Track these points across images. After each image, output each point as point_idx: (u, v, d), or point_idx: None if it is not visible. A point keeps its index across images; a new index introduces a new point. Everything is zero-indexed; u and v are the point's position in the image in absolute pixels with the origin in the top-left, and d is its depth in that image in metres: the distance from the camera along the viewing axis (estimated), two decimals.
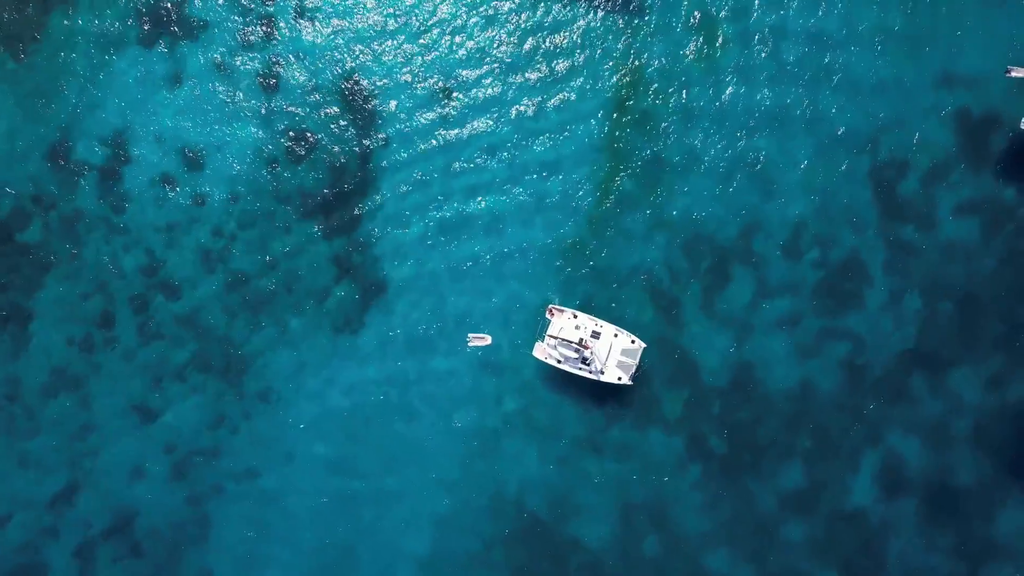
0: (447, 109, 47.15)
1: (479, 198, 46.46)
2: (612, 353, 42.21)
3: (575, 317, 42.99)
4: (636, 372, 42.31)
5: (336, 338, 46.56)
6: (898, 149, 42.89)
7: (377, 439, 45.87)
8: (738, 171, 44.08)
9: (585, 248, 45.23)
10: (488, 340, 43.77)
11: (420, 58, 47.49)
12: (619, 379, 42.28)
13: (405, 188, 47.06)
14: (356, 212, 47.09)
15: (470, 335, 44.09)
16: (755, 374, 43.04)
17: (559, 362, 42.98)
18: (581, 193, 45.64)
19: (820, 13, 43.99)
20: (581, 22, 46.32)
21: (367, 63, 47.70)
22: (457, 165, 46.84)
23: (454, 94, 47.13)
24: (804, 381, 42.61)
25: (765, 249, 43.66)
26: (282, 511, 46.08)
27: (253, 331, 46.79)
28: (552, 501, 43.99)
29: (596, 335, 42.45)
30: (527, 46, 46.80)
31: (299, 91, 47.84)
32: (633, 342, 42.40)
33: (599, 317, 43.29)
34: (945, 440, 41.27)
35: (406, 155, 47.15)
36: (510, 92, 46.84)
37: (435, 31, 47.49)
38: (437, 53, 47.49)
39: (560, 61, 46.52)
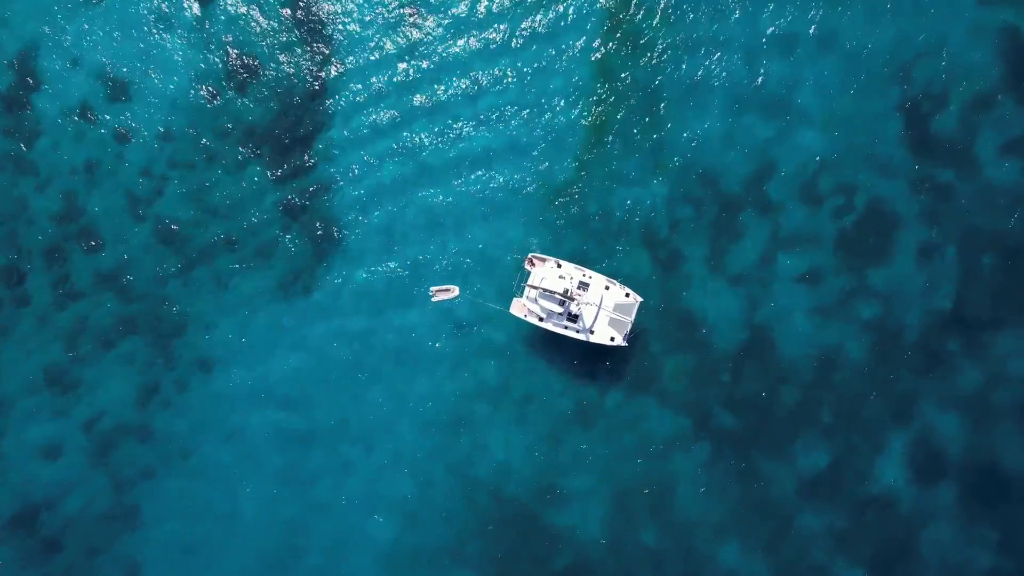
0: (412, 29, 44.88)
1: (448, 132, 44.21)
2: (603, 308, 39.47)
3: (559, 266, 40.63)
4: (631, 332, 39.55)
5: (284, 296, 44.51)
6: (934, 77, 39.93)
7: (331, 415, 43.40)
8: (749, 104, 41.43)
9: (572, 191, 42.73)
10: (454, 292, 41.41)
11: None
12: (611, 340, 39.28)
13: (363, 122, 45.02)
14: (307, 149, 45.06)
15: (433, 288, 41.60)
16: (769, 338, 40.13)
17: (541, 319, 40.25)
18: (567, 127, 43.14)
19: None
20: None
21: None
22: (423, 96, 44.66)
23: (420, 11, 44.93)
24: (826, 347, 39.74)
25: (780, 194, 40.78)
26: (224, 498, 43.34)
27: (188, 288, 44.70)
28: (534, 486, 41.38)
29: (584, 286, 39.78)
30: None
31: (242, 5, 45.85)
32: (628, 295, 39.72)
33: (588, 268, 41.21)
34: (988, 415, 38.09)
35: (365, 84, 45.12)
36: (485, 7, 44.38)
37: None
38: None
39: None
